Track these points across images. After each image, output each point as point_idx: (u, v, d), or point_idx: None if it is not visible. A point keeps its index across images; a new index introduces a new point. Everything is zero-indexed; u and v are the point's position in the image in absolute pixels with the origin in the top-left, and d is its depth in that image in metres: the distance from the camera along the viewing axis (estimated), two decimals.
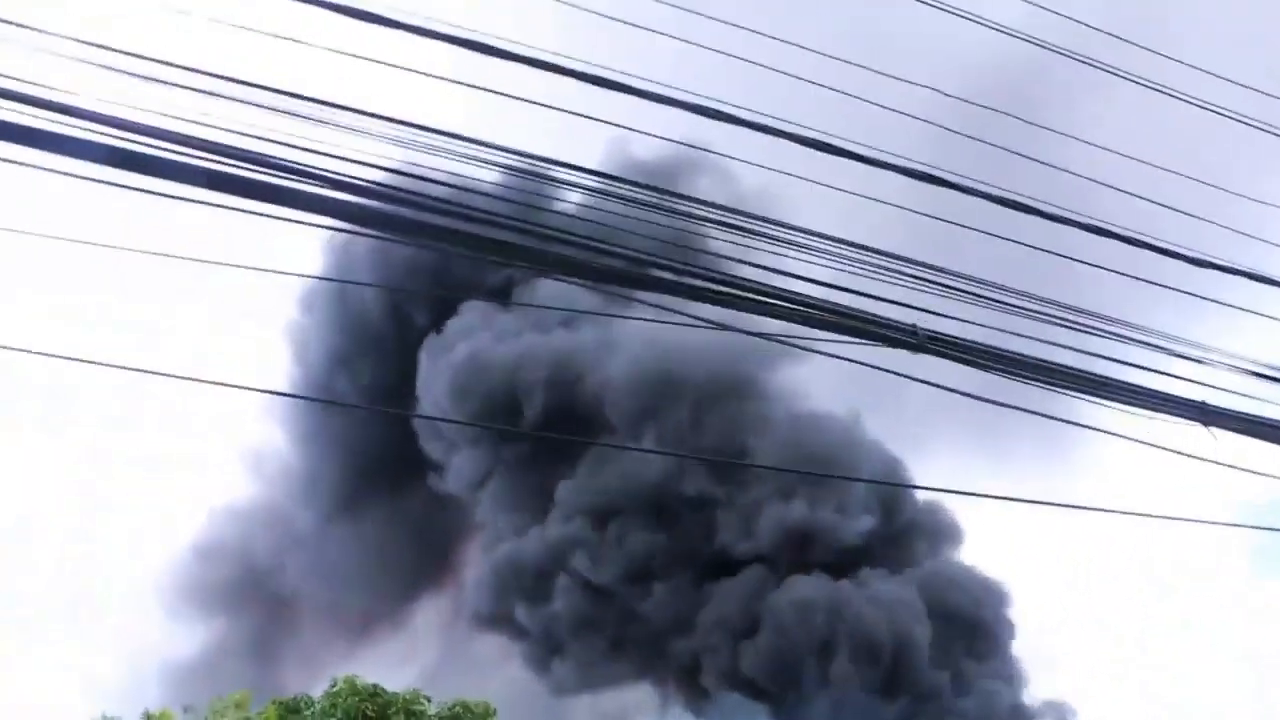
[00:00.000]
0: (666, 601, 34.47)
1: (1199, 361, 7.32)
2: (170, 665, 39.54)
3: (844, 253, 6.79)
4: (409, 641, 43.31)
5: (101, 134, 5.67)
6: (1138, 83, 9.78)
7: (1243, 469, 7.13)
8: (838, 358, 6.45)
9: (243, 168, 6.09)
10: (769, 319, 5.93)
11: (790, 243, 6.84)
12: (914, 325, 6.17)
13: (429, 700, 19.34)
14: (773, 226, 7.04)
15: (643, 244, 6.27)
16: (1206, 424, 6.92)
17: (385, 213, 6.52)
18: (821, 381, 34.94)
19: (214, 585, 44.38)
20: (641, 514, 35.11)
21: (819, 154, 7.40)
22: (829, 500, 34.39)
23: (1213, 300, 8.45)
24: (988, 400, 6.91)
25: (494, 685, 29.64)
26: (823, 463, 32.94)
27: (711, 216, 7.30)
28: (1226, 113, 10.33)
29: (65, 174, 5.88)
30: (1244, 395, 7.43)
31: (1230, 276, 7.91)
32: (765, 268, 6.33)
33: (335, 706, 19.09)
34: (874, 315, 6.10)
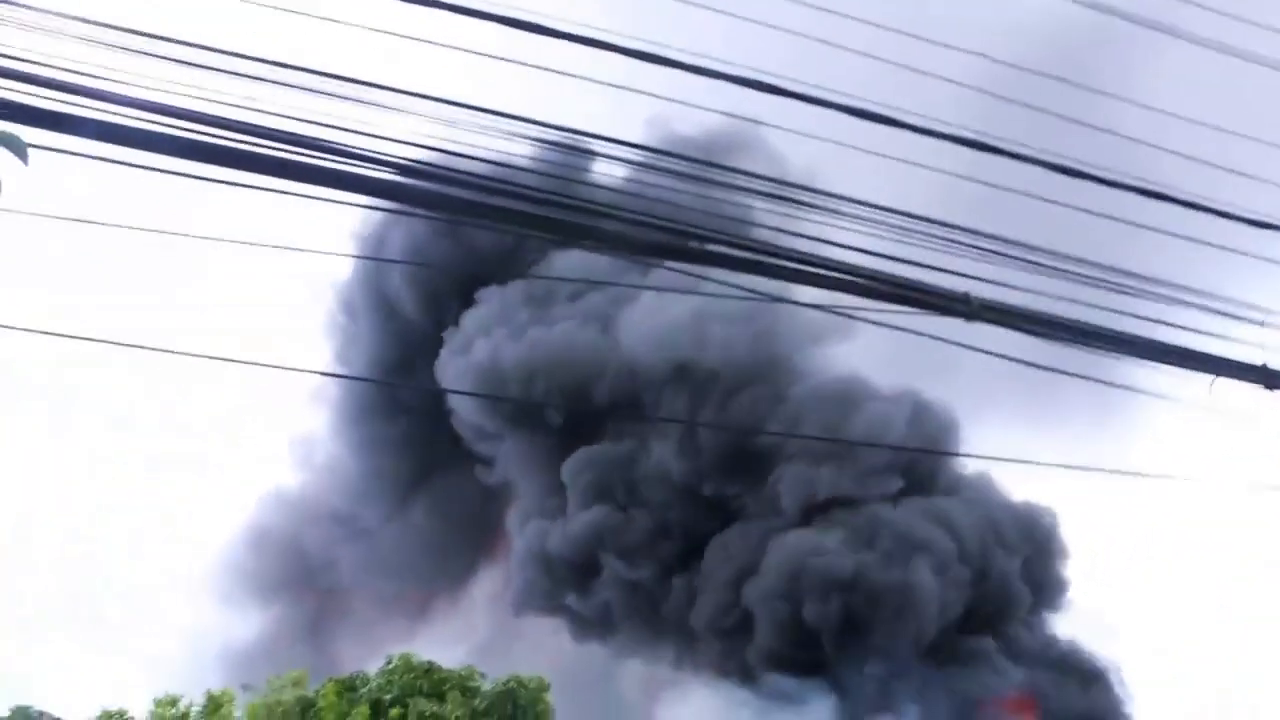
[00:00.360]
0: (694, 591, 34.99)
1: (1260, 324, 7.16)
2: (229, 650, 40.28)
3: (895, 222, 6.70)
4: (464, 619, 43.81)
5: (134, 117, 5.71)
6: (1194, 41, 9.56)
7: None
8: (891, 327, 6.38)
9: (285, 150, 6.11)
10: (821, 289, 5.87)
11: (840, 213, 6.77)
12: (967, 293, 6.09)
13: (484, 676, 19.49)
14: (822, 197, 6.96)
15: (691, 217, 6.23)
16: (1269, 386, 6.78)
17: (428, 190, 6.53)
18: (875, 353, 34.87)
19: (267, 571, 45.27)
20: (668, 506, 35.68)
21: (868, 124, 7.31)
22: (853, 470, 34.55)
23: (1274, 261, 8.26)
24: (1042, 367, 6.81)
25: (548, 659, 29.95)
26: (850, 430, 33.17)
27: (760, 189, 7.25)
28: None
29: (104, 159, 5.94)
30: None
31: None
32: (816, 239, 6.27)
33: (391, 683, 19.29)
34: (926, 284, 6.03)
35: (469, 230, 40.27)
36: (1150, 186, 7.79)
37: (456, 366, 38.18)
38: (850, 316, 6.26)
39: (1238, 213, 7.48)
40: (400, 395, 42.38)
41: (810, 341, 36.87)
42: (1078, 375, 7.06)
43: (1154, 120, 10.10)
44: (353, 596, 44.96)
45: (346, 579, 44.85)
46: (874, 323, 6.43)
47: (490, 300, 39.35)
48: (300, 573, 45.27)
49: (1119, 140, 10.20)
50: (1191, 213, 7.70)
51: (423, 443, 41.67)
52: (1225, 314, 7.13)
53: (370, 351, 43.23)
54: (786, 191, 7.13)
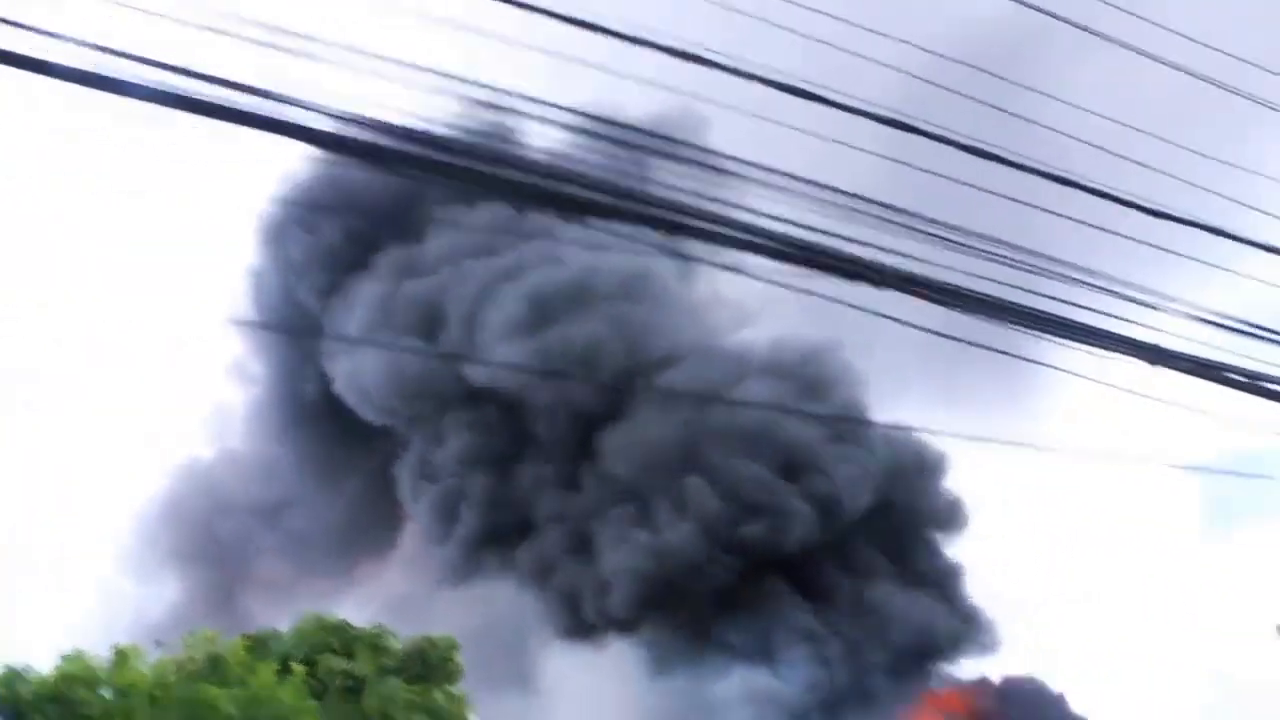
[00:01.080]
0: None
1: (1153, 308, 7.54)
2: (143, 622, 40.00)
3: (815, 194, 6.93)
4: (380, 584, 44.01)
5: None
6: (1109, 40, 9.95)
7: (1189, 409, 7.38)
8: (804, 291, 6.61)
9: (224, 99, 6.16)
10: (733, 250, 6.07)
11: (762, 183, 6.97)
12: (879, 262, 6.33)
13: (394, 635, 19.54)
14: (745, 166, 7.17)
15: (613, 178, 6.40)
16: (1153, 363, 7.16)
17: (360, 140, 6.63)
18: (790, 320, 35.78)
19: (182, 542, 45.03)
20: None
21: (795, 100, 7.55)
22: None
23: (1169, 250, 8.68)
24: (949, 336, 7.11)
25: (461, 621, 30.34)
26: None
27: (684, 155, 7.43)
28: (1195, 74, 10.54)
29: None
30: (1192, 340, 7.68)
31: (1186, 229, 8.12)
32: (731, 203, 6.47)
33: (302, 641, 19.26)
34: (839, 251, 6.26)
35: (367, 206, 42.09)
36: (1061, 173, 8.14)
37: (342, 369, 40.55)
38: (764, 280, 6.47)
39: (1138, 202, 7.85)
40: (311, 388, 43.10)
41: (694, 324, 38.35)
42: (981, 345, 7.38)
43: (1068, 113, 10.49)
44: (269, 567, 44.88)
45: (263, 550, 44.84)
46: (786, 286, 6.65)
47: (363, 291, 40.93)
48: (216, 544, 45.10)
49: (1038, 130, 10.58)
50: (1097, 201, 8.06)
51: (336, 424, 42.58)
52: (1120, 295, 7.49)
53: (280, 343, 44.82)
54: (709, 159, 7.32)
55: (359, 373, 39.92)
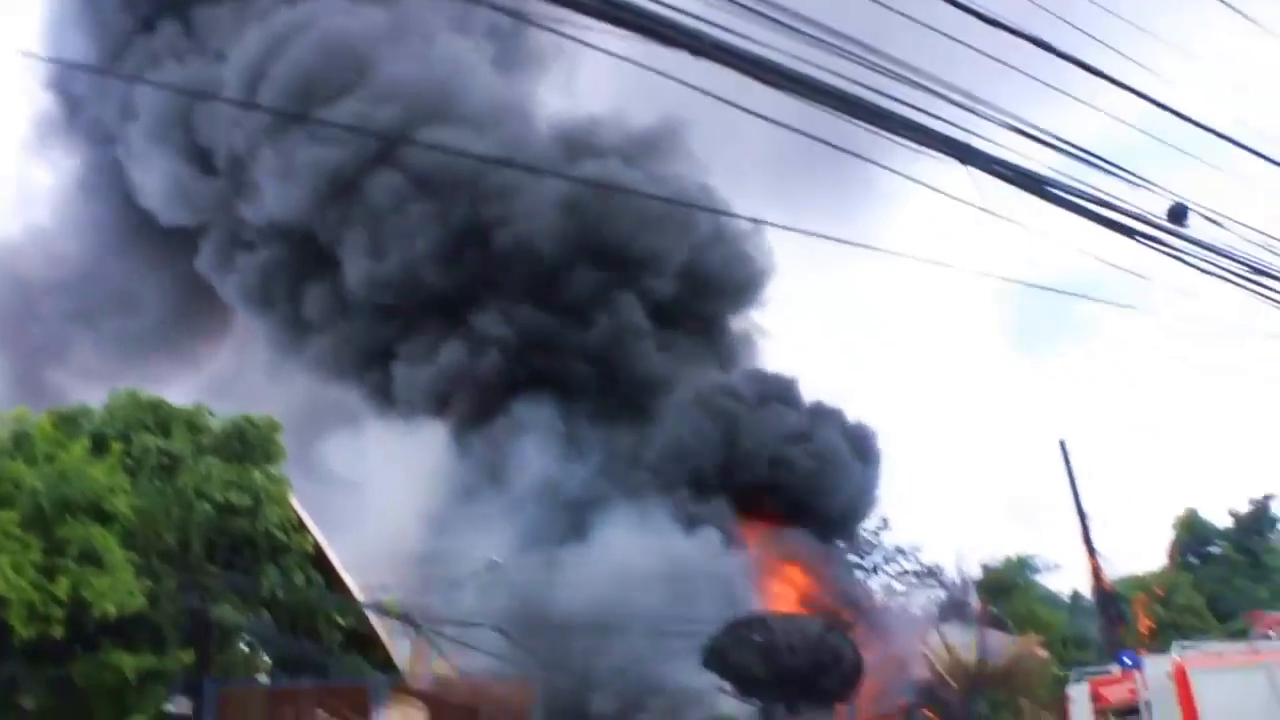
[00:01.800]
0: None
1: (969, 110, 7.54)
2: None
3: None
4: (209, 365, 43.15)
5: None
6: None
7: (1011, 222, 7.51)
8: (619, 57, 6.35)
9: None
10: (549, 4, 5.74)
11: None
12: (698, 31, 6.09)
13: (212, 414, 19.07)
14: None
15: None
16: (964, 162, 7.20)
17: None
18: (611, 89, 35.43)
19: None
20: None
21: None
22: None
23: (999, 60, 8.66)
24: (766, 118, 6.98)
25: (288, 404, 30.14)
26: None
27: None
28: None
29: None
30: (1017, 152, 7.74)
31: (1019, 41, 8.06)
32: None
33: (114, 418, 18.63)
34: (658, 15, 5.99)
35: None
36: None
37: (136, 178, 40.90)
38: (573, 39, 6.12)
39: (973, 7, 7.72)
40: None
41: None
42: (800, 130, 7.29)
43: None
44: (90, 353, 43.42)
45: (82, 338, 43.33)
46: (601, 50, 6.37)
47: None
48: (21, 319, 43.43)
49: None
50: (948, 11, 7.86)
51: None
52: (935, 93, 7.44)
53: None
54: None
55: (145, 185, 40.18)
